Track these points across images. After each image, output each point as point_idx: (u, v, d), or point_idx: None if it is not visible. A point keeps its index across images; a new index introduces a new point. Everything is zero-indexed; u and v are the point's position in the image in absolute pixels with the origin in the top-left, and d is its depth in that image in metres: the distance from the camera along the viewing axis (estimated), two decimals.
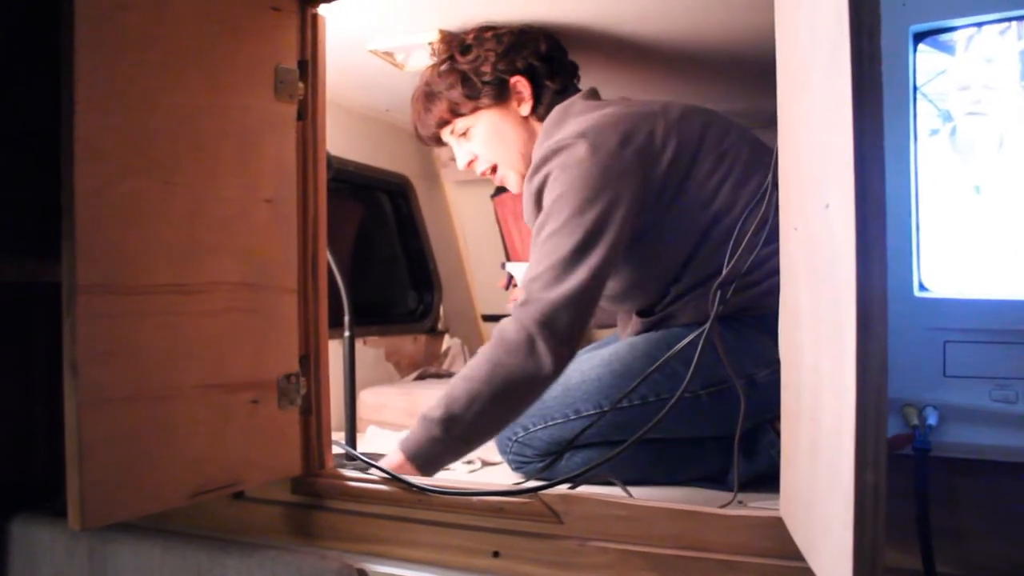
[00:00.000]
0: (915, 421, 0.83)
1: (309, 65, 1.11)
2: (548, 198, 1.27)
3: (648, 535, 1.01)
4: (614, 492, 1.22)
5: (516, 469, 1.40)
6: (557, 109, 1.41)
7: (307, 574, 1.06)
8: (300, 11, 1.10)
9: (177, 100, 0.96)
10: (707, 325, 1.08)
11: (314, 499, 1.16)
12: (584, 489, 1.19)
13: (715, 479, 1.34)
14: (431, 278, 2.19)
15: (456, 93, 1.45)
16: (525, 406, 1.25)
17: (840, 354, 0.71)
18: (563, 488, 1.09)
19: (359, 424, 1.68)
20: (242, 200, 1.03)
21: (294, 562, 1.06)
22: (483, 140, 1.48)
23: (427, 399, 1.56)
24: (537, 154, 1.33)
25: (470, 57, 1.44)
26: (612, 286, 1.39)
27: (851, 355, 0.68)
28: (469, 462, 1.48)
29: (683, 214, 1.32)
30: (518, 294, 1.29)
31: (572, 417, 1.34)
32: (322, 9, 1.13)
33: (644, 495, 1.31)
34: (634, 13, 1.41)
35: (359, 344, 1.79)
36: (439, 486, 1.11)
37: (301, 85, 1.10)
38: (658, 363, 1.21)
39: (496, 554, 1.06)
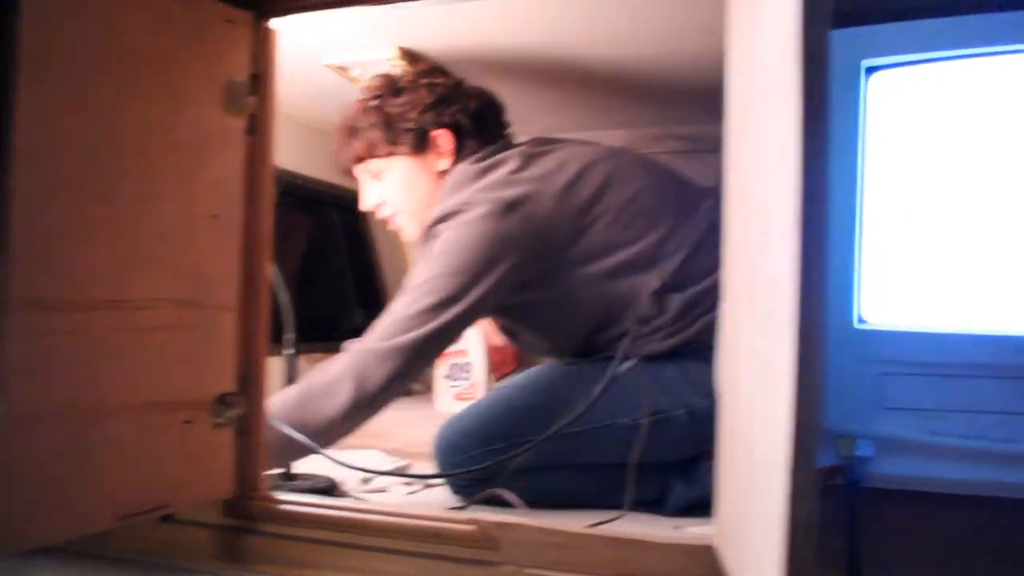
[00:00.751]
0: (848, 453, 0.84)
1: (261, 79, 1.09)
2: (429, 257, 1.29)
3: (583, 562, 1.00)
4: (554, 518, 1.21)
5: (456, 492, 1.38)
6: (460, 169, 1.41)
7: None
8: (254, 24, 1.08)
9: (127, 112, 0.93)
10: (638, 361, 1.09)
11: (246, 522, 1.12)
12: (519, 515, 1.18)
13: (655, 504, 1.34)
14: (380, 296, 2.17)
15: (376, 134, 1.44)
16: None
17: (775, 384, 0.71)
18: (502, 515, 1.07)
19: None
20: (186, 216, 1.01)
21: None
22: (394, 186, 1.47)
23: (386, 418, 1.56)
24: (434, 213, 1.34)
25: (399, 101, 1.43)
26: (532, 342, 1.42)
27: (787, 386, 0.68)
28: (408, 483, 1.45)
29: (581, 265, 1.32)
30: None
31: (511, 443, 1.33)
32: (276, 23, 1.11)
33: (580, 519, 1.31)
34: (588, 38, 1.42)
35: (303, 361, 1.76)
36: (376, 510, 1.09)
37: (252, 99, 1.08)
38: (595, 397, 1.21)
39: None
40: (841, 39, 0.84)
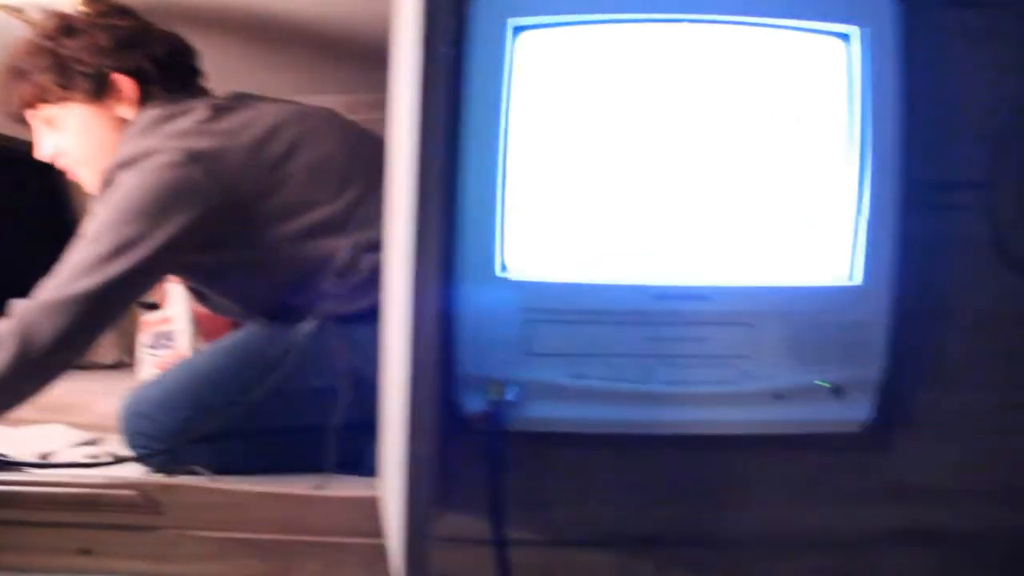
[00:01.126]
0: (496, 397, 0.86)
1: None
2: (106, 204, 1.20)
3: (247, 520, 0.97)
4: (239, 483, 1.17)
5: (142, 461, 1.30)
6: (144, 115, 1.32)
7: None
8: None
9: None
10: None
11: None
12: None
13: (351, 466, 1.32)
14: None
15: (47, 79, 1.31)
16: None
17: (401, 333, 0.72)
18: (164, 477, 1.02)
19: None
20: None
21: None
22: (70, 135, 1.35)
23: (78, 391, 1.45)
24: (114, 159, 1.25)
25: (74, 42, 1.31)
26: (224, 305, 1.37)
27: (408, 334, 0.69)
28: (94, 456, 1.34)
29: (268, 226, 1.29)
30: None
31: (199, 408, 1.26)
32: None
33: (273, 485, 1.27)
34: None
35: None
36: (26, 482, 1.00)
37: None
38: (282, 358, 1.18)
39: (85, 551, 0.97)
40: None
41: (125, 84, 1.32)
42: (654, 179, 0.88)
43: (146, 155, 1.22)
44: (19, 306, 1.13)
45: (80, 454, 1.32)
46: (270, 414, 1.20)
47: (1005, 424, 0.96)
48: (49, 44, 1.30)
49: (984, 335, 0.96)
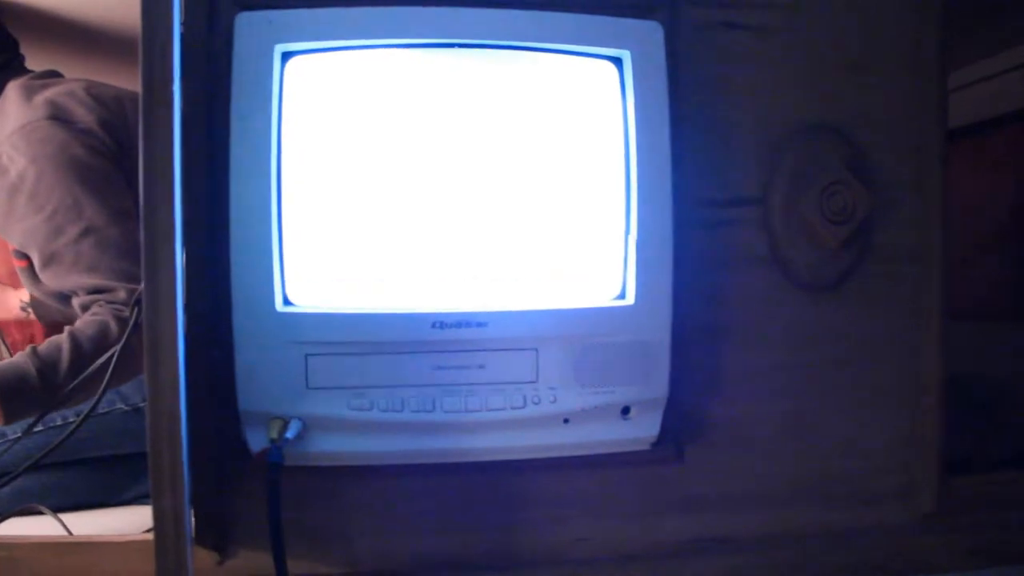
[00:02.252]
0: (274, 435, 0.84)
1: None
2: (36, 189, 1.14)
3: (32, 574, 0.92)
4: (47, 523, 1.12)
5: None
6: (13, 86, 1.26)
7: None
8: None
9: None
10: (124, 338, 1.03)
11: None
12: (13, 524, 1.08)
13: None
14: None
15: None
16: None
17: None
18: None
19: None
20: None
21: None
22: None
23: None
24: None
25: None
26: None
27: (148, 377, 0.67)
28: None
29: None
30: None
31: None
32: None
33: (92, 520, 1.22)
34: None
35: None
36: None
37: None
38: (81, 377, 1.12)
39: None
40: (255, 22, 0.84)
41: None
42: (428, 206, 0.87)
43: (44, 123, 1.21)
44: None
45: None
46: (81, 443, 1.15)
47: (787, 432, 1.00)
48: None
49: (764, 347, 0.99)
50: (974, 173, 1.65)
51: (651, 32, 0.89)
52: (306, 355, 0.86)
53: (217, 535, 0.91)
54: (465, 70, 0.88)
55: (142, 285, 0.69)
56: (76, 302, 1.19)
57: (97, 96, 1.26)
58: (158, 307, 0.65)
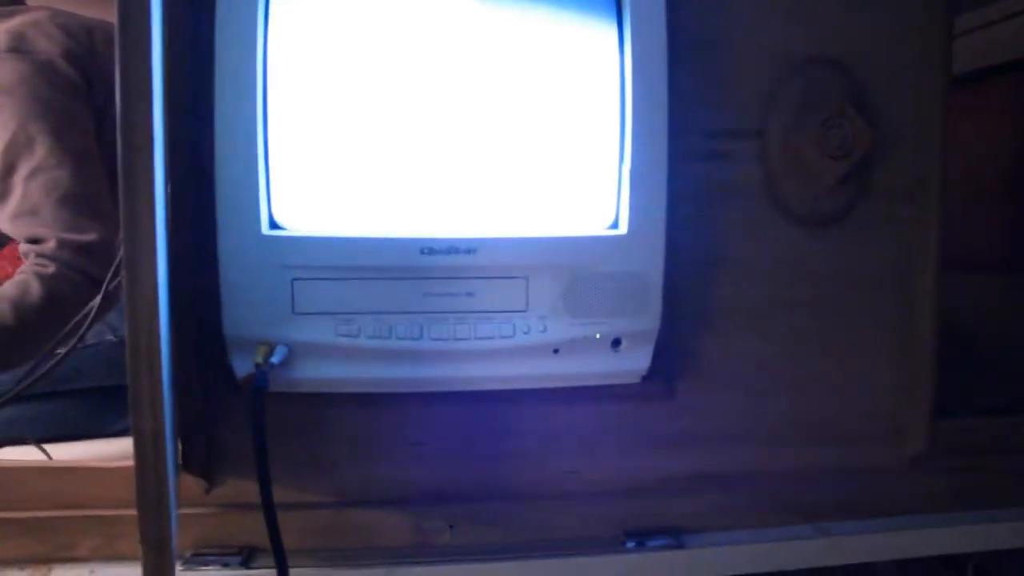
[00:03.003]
0: (259, 359, 0.83)
1: None
2: None
3: (17, 498, 0.92)
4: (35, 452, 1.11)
5: None
6: None
7: None
8: None
9: None
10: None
11: None
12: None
13: None
14: None
15: None
16: None
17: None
18: None
19: None
20: None
21: None
22: None
23: None
24: None
25: None
26: None
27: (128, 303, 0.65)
28: None
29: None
30: None
31: None
32: None
33: (80, 451, 1.21)
34: None
35: None
36: None
37: None
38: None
39: None
40: None
41: None
42: (419, 132, 0.85)
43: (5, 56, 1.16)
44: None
45: None
46: (65, 375, 1.14)
47: (777, 370, 0.99)
48: None
49: (757, 282, 0.98)
50: (972, 122, 1.63)
51: None
52: (292, 279, 0.84)
53: (204, 462, 0.91)
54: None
55: (121, 206, 0.67)
56: (19, 249, 1.16)
57: (63, 26, 1.20)
58: (136, 222, 0.63)
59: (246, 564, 0.90)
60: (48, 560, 0.91)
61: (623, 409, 0.96)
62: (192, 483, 0.91)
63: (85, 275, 1.10)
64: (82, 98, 1.18)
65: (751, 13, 0.96)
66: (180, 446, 0.87)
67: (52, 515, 0.91)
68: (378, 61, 0.84)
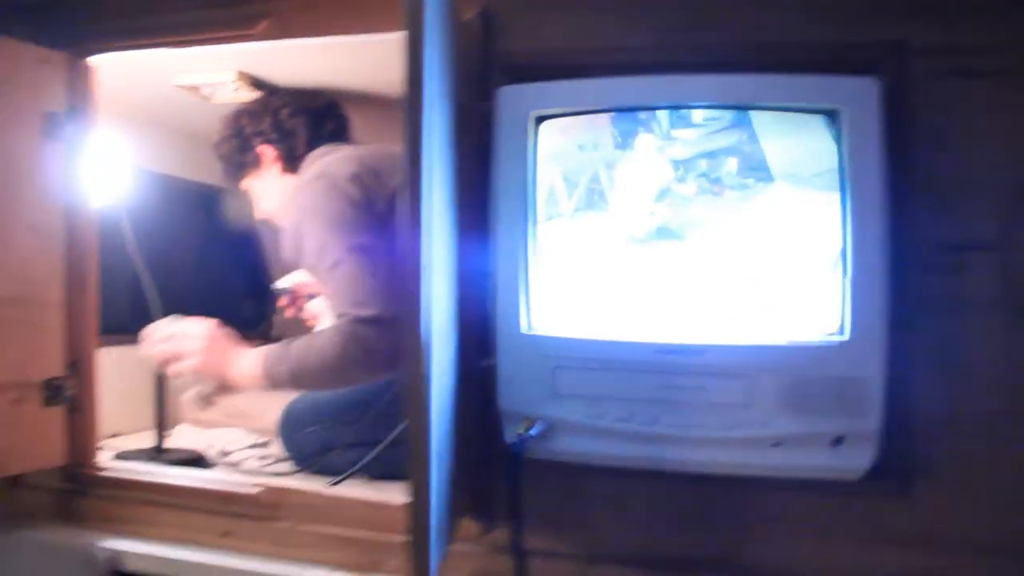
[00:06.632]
0: (521, 430, 1.03)
1: (78, 110, 1.28)
2: (306, 232, 1.45)
3: (346, 520, 1.20)
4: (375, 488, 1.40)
5: (297, 466, 1.56)
6: (310, 155, 1.59)
7: (59, 551, 1.23)
8: (69, 63, 1.27)
9: None
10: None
11: (80, 486, 1.33)
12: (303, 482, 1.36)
13: None
14: (264, 288, 2.35)
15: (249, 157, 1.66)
16: None
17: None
18: (286, 481, 1.27)
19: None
20: (7, 227, 1.20)
21: (49, 540, 1.23)
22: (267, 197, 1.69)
23: (254, 400, 1.72)
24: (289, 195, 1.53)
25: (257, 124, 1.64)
26: None
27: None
28: (262, 457, 1.63)
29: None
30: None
31: (336, 420, 1.50)
32: (98, 59, 1.29)
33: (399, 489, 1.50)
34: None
35: None
36: (184, 477, 1.29)
37: (70, 127, 1.27)
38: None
39: (227, 534, 1.25)
40: (514, 94, 1.03)
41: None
42: (656, 252, 1.00)
43: (315, 179, 1.48)
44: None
45: (252, 454, 1.62)
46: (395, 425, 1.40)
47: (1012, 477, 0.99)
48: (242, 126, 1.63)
49: (998, 390, 0.99)
50: None
51: (867, 88, 0.95)
52: (554, 368, 1.03)
53: (481, 511, 1.12)
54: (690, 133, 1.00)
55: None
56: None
57: (357, 157, 1.51)
58: (413, 321, 0.85)
59: None
60: (364, 569, 1.18)
61: (849, 503, 1.02)
62: (470, 526, 1.12)
63: (362, 340, 1.36)
64: (362, 208, 1.46)
65: (984, 127, 0.99)
66: (461, 496, 1.08)
67: (369, 535, 1.18)
68: (615, 185, 1.01)
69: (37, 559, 1.26)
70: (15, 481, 1.35)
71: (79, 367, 1.31)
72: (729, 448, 1.00)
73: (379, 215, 1.45)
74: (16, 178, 1.21)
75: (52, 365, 1.28)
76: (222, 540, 1.25)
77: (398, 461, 1.49)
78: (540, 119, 1.03)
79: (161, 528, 1.28)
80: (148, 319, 1.50)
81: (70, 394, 1.29)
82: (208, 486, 1.26)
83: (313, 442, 1.53)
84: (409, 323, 0.82)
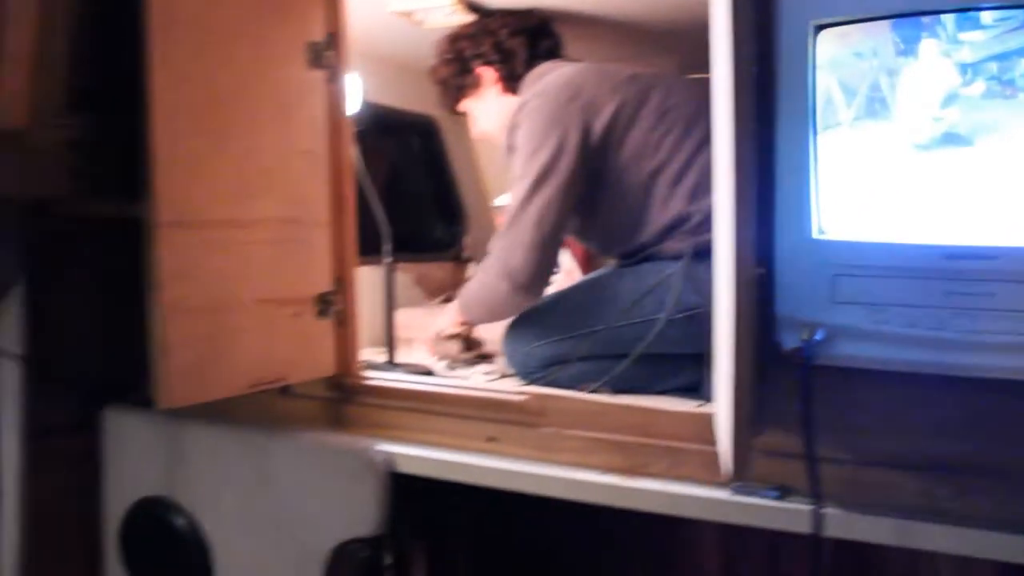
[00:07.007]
0: (807, 337, 1.05)
1: (336, 37, 1.34)
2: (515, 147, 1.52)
3: (611, 425, 1.25)
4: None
5: (522, 380, 1.63)
6: (530, 74, 1.62)
7: (338, 453, 1.34)
8: None
9: (229, 73, 1.20)
10: (682, 262, 1.32)
11: (345, 395, 1.43)
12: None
13: (693, 390, 1.54)
14: (457, 211, 2.42)
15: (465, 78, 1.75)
16: None
17: (728, 287, 0.94)
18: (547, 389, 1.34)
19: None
20: (283, 153, 1.28)
21: (327, 443, 1.33)
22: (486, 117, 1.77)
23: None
24: (511, 114, 1.58)
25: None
26: (583, 238, 1.66)
27: (732, 289, 0.91)
28: (488, 372, 1.71)
29: (627, 165, 1.52)
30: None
31: (566, 336, 1.56)
32: None
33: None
34: None
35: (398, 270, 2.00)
36: (446, 384, 1.37)
37: (330, 54, 1.33)
38: (645, 293, 1.43)
39: (492, 439, 1.32)
40: (796, 3, 1.03)
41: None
42: (943, 158, 0.99)
43: (532, 99, 1.55)
44: (496, 247, 1.54)
45: (478, 369, 1.70)
46: (625, 341, 1.44)
47: None
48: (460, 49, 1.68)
49: None
50: None
51: None
52: (833, 275, 1.04)
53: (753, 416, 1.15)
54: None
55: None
56: None
57: (577, 76, 1.55)
58: (742, 240, 0.88)
59: (781, 498, 1.13)
60: (627, 471, 1.23)
61: None
62: None
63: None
64: (577, 132, 1.51)
65: None
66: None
67: (634, 440, 1.23)
68: (900, 91, 1.00)
69: (317, 460, 1.37)
70: (284, 391, 1.46)
71: (343, 283, 1.40)
72: (1019, 353, 0.99)
73: (594, 140, 1.49)
74: (289, 107, 1.29)
75: (322, 281, 1.37)
76: (487, 445, 1.33)
77: (638, 375, 1.56)
78: (819, 28, 1.02)
79: (427, 434, 1.37)
80: (378, 244, 1.59)
81: (337, 309, 1.38)
82: (474, 393, 1.34)
83: (539, 357, 1.60)
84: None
